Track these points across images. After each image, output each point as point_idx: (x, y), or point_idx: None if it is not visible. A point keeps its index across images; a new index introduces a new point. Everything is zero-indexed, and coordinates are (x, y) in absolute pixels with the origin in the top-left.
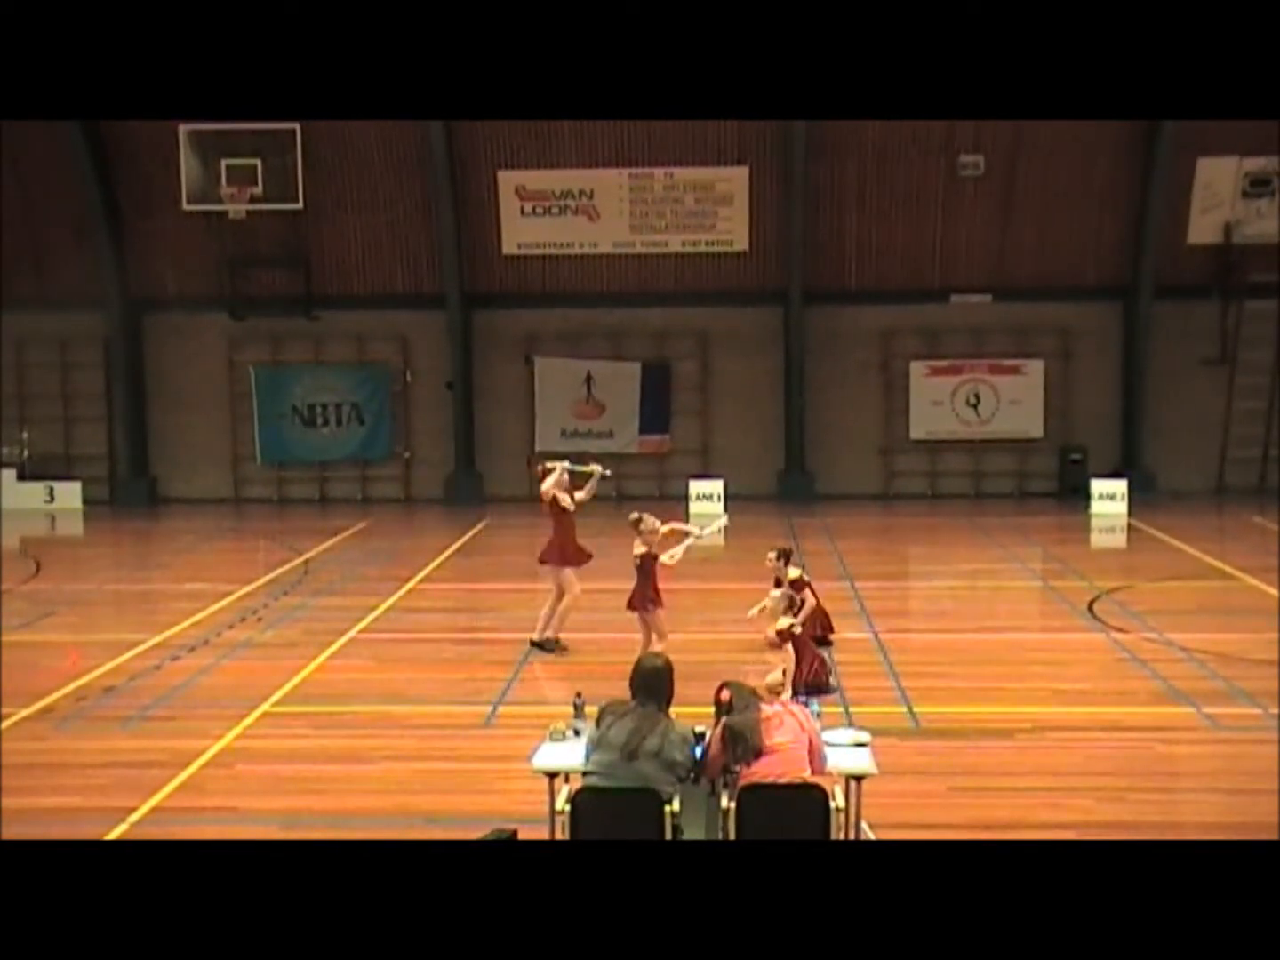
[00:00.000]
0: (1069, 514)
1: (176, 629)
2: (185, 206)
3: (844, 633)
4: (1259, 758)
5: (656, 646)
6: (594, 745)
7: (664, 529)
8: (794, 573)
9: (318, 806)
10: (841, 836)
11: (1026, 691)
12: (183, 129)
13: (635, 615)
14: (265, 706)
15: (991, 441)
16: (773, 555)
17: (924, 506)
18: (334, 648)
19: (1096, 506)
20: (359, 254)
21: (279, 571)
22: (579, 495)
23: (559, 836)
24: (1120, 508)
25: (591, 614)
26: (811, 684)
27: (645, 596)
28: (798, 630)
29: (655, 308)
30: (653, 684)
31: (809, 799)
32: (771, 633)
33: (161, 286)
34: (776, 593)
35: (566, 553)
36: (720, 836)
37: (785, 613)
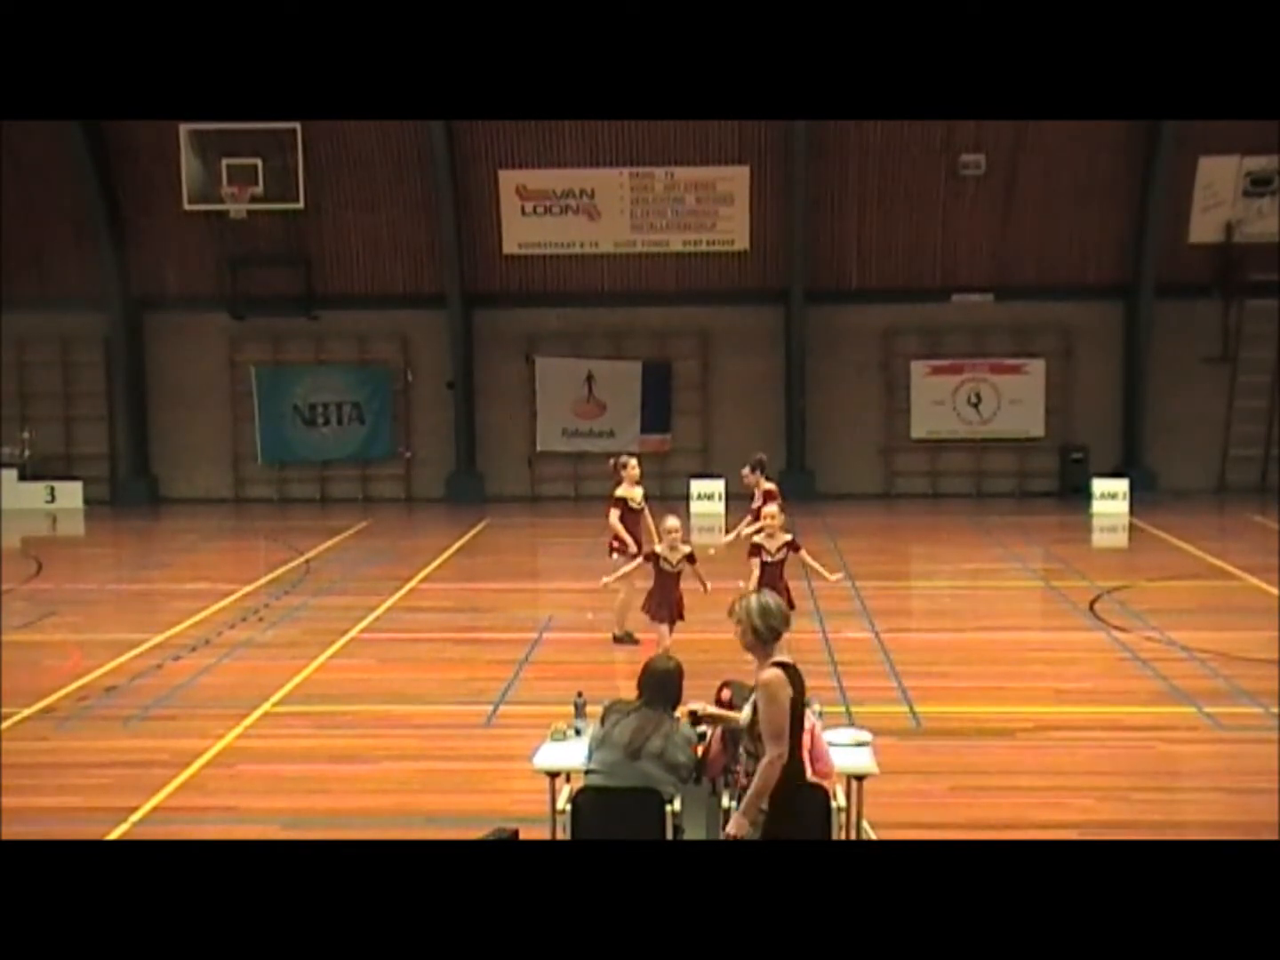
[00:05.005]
0: (1070, 513)
1: (178, 629)
2: (186, 206)
3: (845, 632)
4: (1260, 757)
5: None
6: (597, 744)
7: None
8: (769, 485)
9: (319, 806)
10: (843, 836)
11: (1028, 691)
12: (183, 129)
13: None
14: (266, 706)
15: (992, 441)
16: (746, 470)
17: (925, 506)
18: (335, 647)
19: (1098, 505)
20: (359, 253)
21: (280, 571)
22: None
23: (560, 836)
24: (1121, 507)
25: (591, 614)
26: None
27: (660, 603)
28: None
29: (656, 307)
30: (661, 686)
31: (810, 799)
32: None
33: (162, 286)
34: (772, 507)
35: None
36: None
37: (784, 529)
